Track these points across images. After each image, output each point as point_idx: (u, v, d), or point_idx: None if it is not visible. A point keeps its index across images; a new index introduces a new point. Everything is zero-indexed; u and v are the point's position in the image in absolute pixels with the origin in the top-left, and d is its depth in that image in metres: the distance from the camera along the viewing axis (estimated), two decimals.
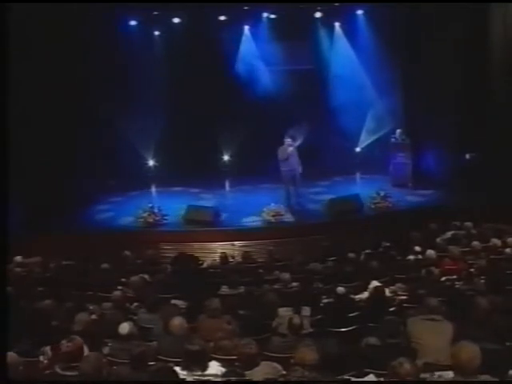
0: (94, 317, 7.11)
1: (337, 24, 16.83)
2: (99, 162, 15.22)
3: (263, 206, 13.25)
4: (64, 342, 5.25)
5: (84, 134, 14.77)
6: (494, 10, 14.06)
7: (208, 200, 14.73)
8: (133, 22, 15.89)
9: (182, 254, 10.89)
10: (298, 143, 14.01)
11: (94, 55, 14.63)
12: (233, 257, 11.15)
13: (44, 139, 13.53)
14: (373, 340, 5.91)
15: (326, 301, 7.86)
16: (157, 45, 16.52)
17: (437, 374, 5.12)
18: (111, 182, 15.59)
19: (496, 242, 9.96)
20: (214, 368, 5.27)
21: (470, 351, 4.65)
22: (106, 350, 6.04)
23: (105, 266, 9.72)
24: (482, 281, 7.92)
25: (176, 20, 16.04)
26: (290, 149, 13.46)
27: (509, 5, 13.78)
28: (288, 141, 13.51)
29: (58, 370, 5.13)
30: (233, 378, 4.93)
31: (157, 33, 16.51)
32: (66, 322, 6.87)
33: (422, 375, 5.04)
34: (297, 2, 15.45)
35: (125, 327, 6.06)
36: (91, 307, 7.61)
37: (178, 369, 5.11)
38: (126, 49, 15.28)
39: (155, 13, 15.75)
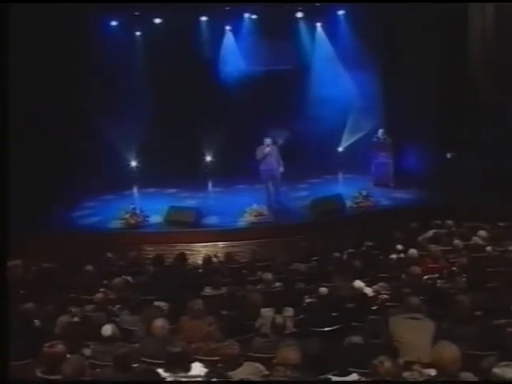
0: (75, 319, 7.07)
1: (318, 24, 16.89)
2: (80, 163, 15.13)
3: (245, 207, 13.24)
4: (46, 347, 5.22)
5: (66, 135, 14.67)
6: (473, 9, 14.18)
7: (190, 201, 14.69)
8: (114, 23, 15.82)
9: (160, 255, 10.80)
10: (279, 143, 14.07)
11: (75, 56, 14.53)
12: (216, 257, 11.13)
13: (25, 141, 13.41)
14: (356, 339, 5.92)
15: (308, 300, 7.87)
16: (138, 45, 16.48)
17: (418, 371, 5.15)
18: (93, 183, 15.50)
19: (477, 240, 10.04)
20: (197, 369, 5.27)
21: (452, 351, 4.68)
22: (87, 353, 6.01)
23: (87, 268, 9.65)
24: (464, 279, 7.98)
25: (157, 20, 16.00)
26: (268, 149, 13.47)
27: (487, 5, 13.91)
28: (267, 141, 13.53)
29: (38, 373, 5.10)
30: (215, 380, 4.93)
31: (138, 33, 16.46)
32: (48, 324, 6.83)
33: (404, 373, 5.07)
34: (279, 2, 15.47)
35: (107, 329, 6.04)
36: (73, 310, 7.56)
37: (160, 370, 5.10)
38: (108, 49, 15.21)
39: (136, 13, 15.70)
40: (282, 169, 13.63)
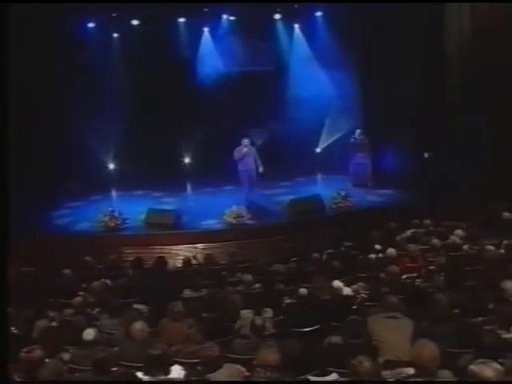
0: (54, 324, 7.02)
1: (296, 25, 16.94)
2: (58, 166, 15.02)
3: (225, 208, 13.23)
4: (23, 352, 5.19)
5: (43, 137, 14.55)
6: (450, 10, 14.31)
7: (169, 203, 14.65)
8: (91, 25, 15.71)
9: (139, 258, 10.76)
10: (257, 144, 14.12)
11: (52, 57, 14.43)
12: (195, 259, 11.11)
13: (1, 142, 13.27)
14: (335, 339, 5.95)
15: (288, 301, 7.88)
16: (116, 47, 16.38)
17: (398, 370, 5.19)
18: (71, 186, 15.39)
19: (454, 239, 10.12)
20: (177, 372, 5.26)
21: (432, 350, 4.72)
22: (66, 357, 5.96)
23: (65, 271, 9.58)
24: (442, 278, 8.05)
25: (135, 22, 15.92)
26: (245, 149, 13.49)
27: (464, 6, 14.03)
28: (245, 141, 13.56)
29: (15, 378, 5.06)
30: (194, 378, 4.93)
31: (115, 35, 16.36)
32: (26, 329, 6.77)
33: (384, 372, 5.10)
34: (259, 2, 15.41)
35: (90, 333, 6.02)
36: (51, 314, 7.51)
37: (140, 374, 5.08)
38: (85, 51, 15.12)
39: (114, 15, 15.60)
40: (261, 169, 13.63)
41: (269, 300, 7.78)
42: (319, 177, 16.63)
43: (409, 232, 11.01)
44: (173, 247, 12.40)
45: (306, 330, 6.77)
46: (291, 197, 14.07)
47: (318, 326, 6.84)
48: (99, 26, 15.81)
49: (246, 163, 13.59)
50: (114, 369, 5.36)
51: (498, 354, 4.83)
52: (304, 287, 7.92)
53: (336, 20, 15.74)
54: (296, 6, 16.19)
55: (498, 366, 4.36)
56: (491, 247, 9.11)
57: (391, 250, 9.55)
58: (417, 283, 8.23)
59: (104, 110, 15.21)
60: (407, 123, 14.87)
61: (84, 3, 13.93)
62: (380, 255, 9.80)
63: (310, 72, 16.49)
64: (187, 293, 8.57)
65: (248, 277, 8.79)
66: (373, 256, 9.86)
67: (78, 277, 9.55)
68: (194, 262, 10.83)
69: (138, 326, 6.10)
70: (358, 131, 15.23)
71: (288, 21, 16.81)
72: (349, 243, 10.77)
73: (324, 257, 10.22)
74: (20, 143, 13.58)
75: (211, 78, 16.39)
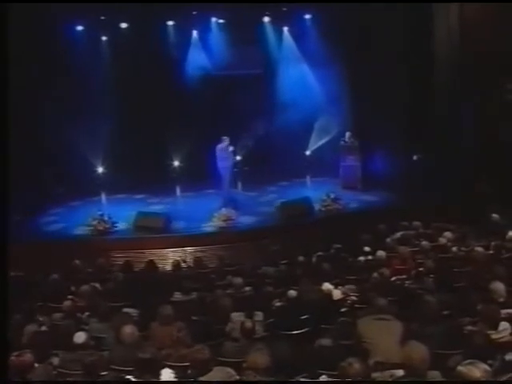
0: (43, 328, 6.99)
1: (285, 28, 16.96)
2: (47, 169, 14.96)
3: (214, 211, 13.23)
4: (13, 356, 5.17)
5: (31, 140, 14.49)
6: (438, 11, 14.37)
7: (158, 206, 14.63)
8: (79, 28, 15.65)
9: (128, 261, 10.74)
10: (247, 146, 14.19)
11: (40, 60, 14.38)
12: (185, 262, 11.10)
13: None
14: (325, 341, 5.96)
15: (278, 304, 7.89)
16: (104, 50, 16.31)
17: (388, 372, 5.21)
18: (60, 190, 15.34)
19: (444, 241, 10.16)
20: (167, 375, 5.26)
21: (422, 352, 4.74)
22: (56, 362, 5.94)
23: (54, 275, 9.54)
24: (431, 279, 8.08)
25: (123, 25, 15.87)
26: (223, 146, 13.69)
27: (452, 5, 14.08)
28: (224, 139, 13.71)
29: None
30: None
31: (104, 38, 16.30)
32: (16, 334, 6.73)
33: (374, 374, 5.12)
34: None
35: (81, 336, 6.01)
36: (41, 318, 7.48)
37: (130, 377, 5.07)
38: (73, 54, 15.06)
39: (102, 18, 15.55)
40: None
41: (259, 303, 7.78)
42: (308, 179, 16.62)
43: (398, 234, 11.04)
44: (162, 250, 12.37)
45: (295, 332, 6.78)
46: (281, 200, 14.06)
47: (308, 329, 6.85)
48: (88, 29, 15.74)
49: (226, 159, 13.71)
50: (104, 373, 5.35)
51: (486, 355, 4.86)
52: (293, 290, 7.93)
53: (325, 22, 15.75)
54: (285, 8, 16.21)
55: (486, 367, 4.39)
56: (480, 249, 9.16)
57: (381, 253, 9.57)
58: (406, 285, 8.26)
59: (92, 113, 15.16)
60: (396, 126, 14.92)
61: (72, 5, 13.87)
62: (369, 257, 9.82)
63: (299, 74, 16.52)
64: (177, 296, 8.57)
65: (238, 280, 8.77)
66: (362, 258, 9.88)
67: (67, 281, 9.51)
68: (183, 265, 10.82)
69: (128, 329, 6.08)
70: (347, 134, 15.23)
71: (277, 24, 16.81)
72: (338, 245, 10.77)
73: (314, 259, 10.24)
74: (6, 147, 13.54)
75: (200, 81, 16.38)
